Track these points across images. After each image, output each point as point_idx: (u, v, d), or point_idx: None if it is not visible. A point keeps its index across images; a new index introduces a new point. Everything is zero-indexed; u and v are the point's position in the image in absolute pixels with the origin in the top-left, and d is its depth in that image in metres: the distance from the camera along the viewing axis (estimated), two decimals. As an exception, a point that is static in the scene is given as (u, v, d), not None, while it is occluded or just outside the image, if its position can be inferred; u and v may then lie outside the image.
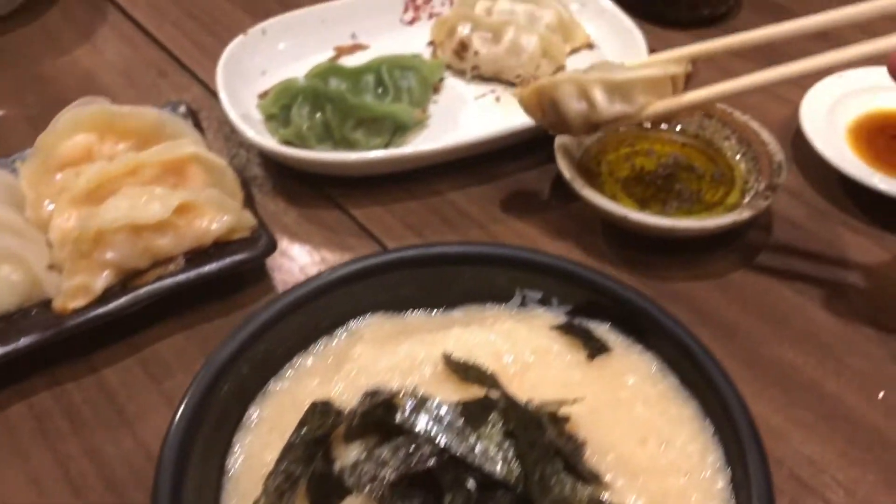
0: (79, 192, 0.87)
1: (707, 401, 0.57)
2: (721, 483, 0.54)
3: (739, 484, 0.53)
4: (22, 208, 0.89)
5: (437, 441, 0.51)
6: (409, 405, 0.53)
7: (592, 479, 0.53)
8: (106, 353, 0.85)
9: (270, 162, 1.05)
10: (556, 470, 0.50)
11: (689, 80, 0.85)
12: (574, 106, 0.80)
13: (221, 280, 0.88)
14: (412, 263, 0.66)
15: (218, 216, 0.87)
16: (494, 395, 0.55)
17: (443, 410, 0.52)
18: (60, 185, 0.91)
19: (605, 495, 0.52)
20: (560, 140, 0.94)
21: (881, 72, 1.07)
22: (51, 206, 0.90)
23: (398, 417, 0.52)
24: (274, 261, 0.93)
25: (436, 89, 1.12)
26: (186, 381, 0.80)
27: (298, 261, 0.95)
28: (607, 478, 0.54)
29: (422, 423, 0.52)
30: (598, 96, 0.78)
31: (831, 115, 1.04)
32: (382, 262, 0.66)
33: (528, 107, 0.86)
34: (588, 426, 0.56)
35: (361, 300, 0.66)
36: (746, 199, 0.93)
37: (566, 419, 0.56)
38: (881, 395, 0.79)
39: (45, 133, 0.92)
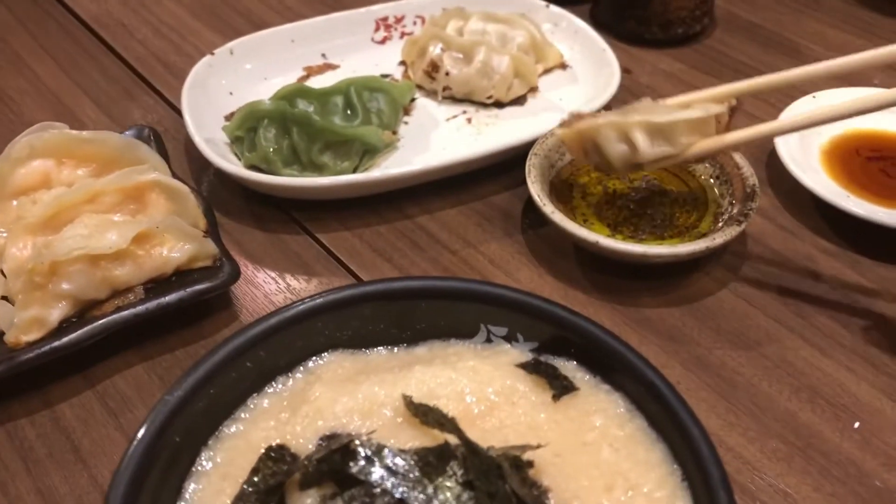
0: (35, 220, 0.85)
1: (676, 444, 0.55)
2: (690, 532, 0.52)
3: (709, 534, 0.51)
4: (-25, 236, 0.86)
5: (393, 493, 0.49)
6: (363, 454, 0.50)
7: (555, 530, 0.51)
8: (62, 387, 0.82)
9: (237, 186, 1.03)
10: (518, 518, 0.48)
11: (735, 113, 0.85)
12: (616, 148, 0.80)
13: (183, 310, 0.85)
14: (374, 298, 0.64)
15: (179, 245, 0.84)
16: (454, 441, 0.53)
17: (398, 461, 0.50)
18: (16, 212, 0.88)
19: (570, 547, 0.50)
20: (532, 161, 0.93)
21: (854, 92, 1.07)
22: (4, 235, 0.87)
23: (353, 468, 0.50)
24: (238, 288, 0.91)
25: (406, 110, 1.11)
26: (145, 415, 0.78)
27: (263, 287, 0.92)
28: (571, 528, 0.52)
29: (377, 474, 0.50)
30: (640, 139, 0.78)
31: (805, 137, 1.03)
32: (343, 298, 0.64)
33: (570, 147, 0.88)
34: (552, 472, 0.54)
35: (321, 337, 0.64)
36: (720, 224, 0.91)
37: (529, 465, 0.54)
38: (856, 425, 0.78)
39: (-1, 159, 0.89)
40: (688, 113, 0.79)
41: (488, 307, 0.63)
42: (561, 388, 0.60)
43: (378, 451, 0.51)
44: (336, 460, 0.54)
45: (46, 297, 0.80)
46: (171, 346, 0.86)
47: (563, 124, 0.85)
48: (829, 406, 0.80)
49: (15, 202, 0.89)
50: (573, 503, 0.53)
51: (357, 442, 0.52)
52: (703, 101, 0.82)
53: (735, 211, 0.91)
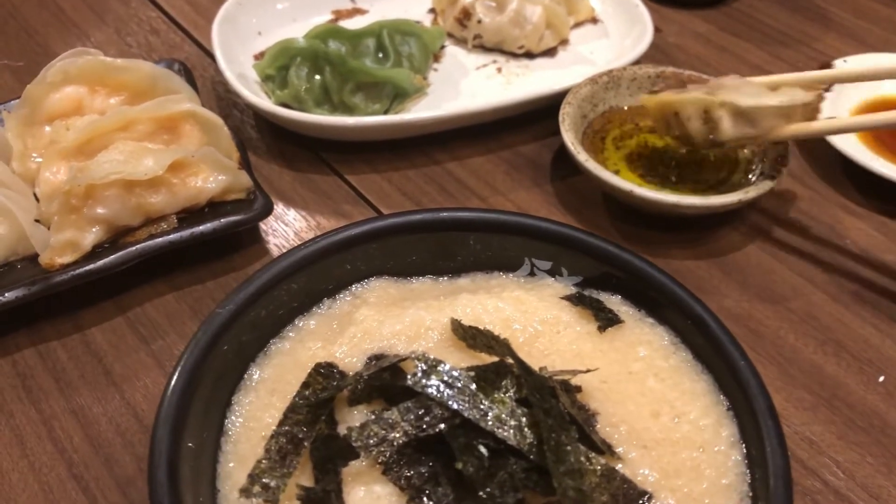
0: (69, 145, 0.84)
1: (721, 375, 0.56)
2: (736, 458, 0.53)
3: (755, 460, 0.52)
4: (7, 160, 0.86)
5: (448, 405, 0.49)
6: (420, 368, 0.51)
7: (606, 449, 0.52)
8: (93, 312, 0.82)
9: (266, 124, 1.02)
10: (570, 439, 0.49)
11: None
12: (697, 125, 0.81)
13: (215, 241, 0.85)
14: (420, 228, 0.64)
15: (213, 175, 0.84)
16: (507, 361, 0.54)
17: (455, 374, 0.50)
18: (49, 137, 0.88)
19: (619, 466, 0.51)
20: (565, 110, 0.93)
21: (886, 58, 1.07)
22: (38, 159, 0.86)
23: (409, 380, 0.50)
24: (269, 224, 0.91)
25: (436, 58, 1.10)
26: (177, 343, 0.79)
27: (293, 225, 0.92)
28: (620, 450, 0.52)
29: (433, 387, 0.50)
30: (724, 121, 0.79)
31: (836, 101, 1.03)
32: (389, 226, 0.64)
33: (654, 117, 0.89)
34: (599, 397, 0.55)
35: (366, 264, 0.64)
36: (751, 179, 0.92)
37: (578, 389, 0.55)
38: (881, 378, 0.79)
39: (33, 83, 0.88)
40: (775, 99, 0.79)
41: (533, 240, 0.64)
42: (606, 319, 0.60)
43: (434, 365, 0.51)
44: (386, 378, 0.54)
45: (81, 220, 0.79)
46: (201, 277, 0.86)
47: (650, 92, 0.89)
48: (855, 360, 0.81)
49: (48, 128, 0.88)
50: (621, 427, 0.54)
51: (413, 356, 0.52)
52: (791, 85, 0.82)
53: (766, 168, 0.91)
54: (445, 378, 0.50)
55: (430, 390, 0.50)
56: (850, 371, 0.80)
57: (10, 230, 0.79)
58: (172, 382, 0.52)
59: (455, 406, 0.49)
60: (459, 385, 0.50)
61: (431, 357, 0.52)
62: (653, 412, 0.55)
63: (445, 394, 0.50)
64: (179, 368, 0.53)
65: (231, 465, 0.54)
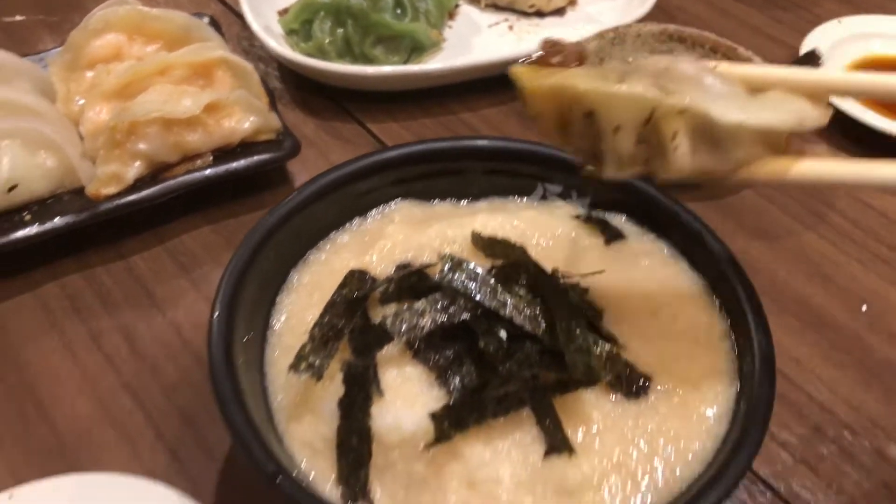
0: (110, 87, 0.90)
1: (715, 280, 0.62)
2: (726, 349, 0.60)
3: (743, 350, 0.58)
4: (53, 102, 0.92)
5: (471, 296, 0.56)
6: (447, 265, 0.57)
7: (611, 339, 0.58)
8: (135, 242, 0.89)
9: (290, 75, 1.08)
10: (580, 325, 0.55)
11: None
12: (627, 144, 0.48)
13: (246, 178, 0.91)
14: (442, 154, 0.70)
15: (245, 117, 0.90)
16: (523, 261, 0.60)
17: (478, 270, 0.57)
18: (91, 81, 0.94)
19: (622, 353, 0.58)
20: (574, 63, 0.98)
21: (877, 20, 1.12)
22: (81, 102, 0.92)
23: (437, 276, 0.57)
24: (294, 166, 0.97)
25: (450, 16, 1.16)
26: (214, 271, 0.85)
27: (318, 168, 0.97)
28: (622, 340, 0.59)
29: (458, 281, 0.56)
30: (681, 143, 0.46)
31: (829, 59, 1.09)
32: (414, 152, 0.70)
33: (539, 111, 0.52)
34: (605, 298, 0.61)
35: (393, 186, 0.70)
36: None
37: (585, 290, 0.61)
38: (864, 308, 0.85)
39: (76, 30, 0.94)
40: (767, 116, 0.47)
41: (546, 166, 0.70)
42: (611, 234, 0.67)
43: (459, 262, 0.57)
44: (413, 280, 0.61)
45: (125, 155, 0.85)
46: (234, 212, 0.92)
47: (526, 62, 0.53)
48: (840, 291, 0.87)
49: (89, 73, 0.94)
50: (623, 323, 0.60)
51: (439, 256, 0.58)
52: (785, 86, 0.48)
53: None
54: (469, 273, 0.57)
55: (455, 284, 0.56)
56: (835, 301, 0.86)
57: (59, 164, 0.85)
58: (225, 280, 0.59)
59: (478, 297, 0.55)
60: (481, 280, 0.56)
61: (456, 256, 0.58)
62: (652, 311, 0.62)
63: (469, 287, 0.56)
64: (231, 268, 0.60)
65: (276, 353, 0.61)
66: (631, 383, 0.56)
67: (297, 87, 1.08)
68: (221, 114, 0.89)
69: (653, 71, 0.48)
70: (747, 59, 1.02)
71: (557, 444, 0.53)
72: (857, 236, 0.93)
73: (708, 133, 0.47)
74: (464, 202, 0.72)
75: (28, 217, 0.82)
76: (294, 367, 0.56)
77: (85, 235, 0.86)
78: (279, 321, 0.62)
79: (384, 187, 0.70)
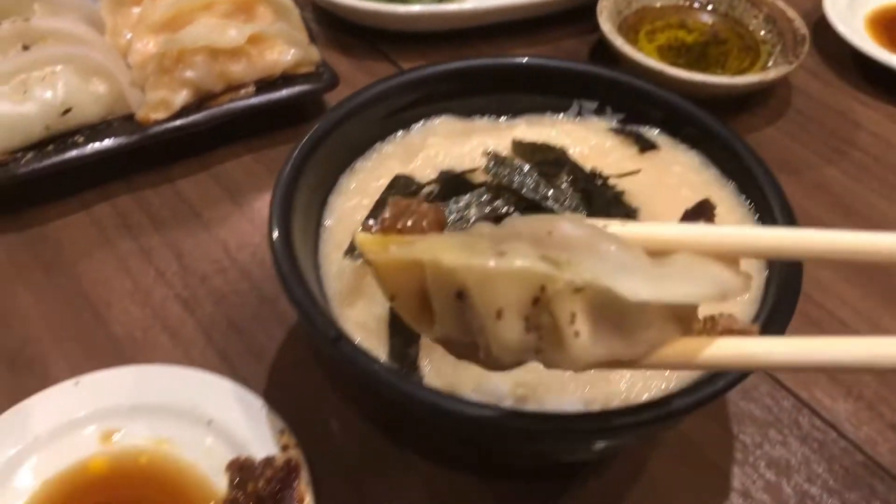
0: (157, 20, 0.94)
1: (744, 184, 0.66)
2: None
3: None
4: (102, 34, 0.96)
5: (515, 189, 0.59)
6: (492, 161, 0.60)
7: (646, 232, 0.61)
8: (181, 167, 0.92)
9: (325, 16, 1.11)
10: (619, 215, 0.59)
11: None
12: (515, 332, 0.38)
13: (287, 110, 0.95)
14: (482, 71, 0.74)
15: (287, 49, 0.94)
16: (564, 158, 0.63)
17: (521, 165, 0.60)
18: (138, 16, 0.97)
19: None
20: (603, 4, 1.02)
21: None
22: (128, 35, 0.96)
23: (482, 170, 0.60)
24: (332, 98, 1.00)
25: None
26: (257, 197, 0.89)
27: (354, 103, 1.01)
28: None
29: (503, 175, 0.60)
30: (579, 325, 0.38)
31: (852, 6, 1.12)
32: (455, 69, 0.73)
33: (395, 291, 0.42)
34: (639, 199, 0.65)
35: (434, 102, 0.74)
36: (770, 66, 1.01)
37: (621, 192, 0.64)
38: (884, 235, 0.88)
39: (123, -33, 0.98)
40: (682, 290, 0.39)
41: (582, 83, 0.73)
42: (645, 144, 0.70)
43: (503, 159, 0.61)
44: (456, 183, 0.64)
45: (173, 82, 0.89)
46: (274, 142, 0.96)
47: (372, 227, 0.43)
48: (861, 221, 0.90)
49: (136, 9, 0.98)
50: (657, 220, 0.63)
51: (483, 153, 0.62)
52: (692, 247, 0.41)
53: (784, 54, 1.00)
54: (513, 168, 0.60)
55: (500, 178, 0.60)
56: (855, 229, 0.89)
57: (110, 90, 0.89)
58: (282, 179, 0.62)
59: (522, 191, 0.59)
60: (525, 174, 0.60)
61: (501, 154, 0.61)
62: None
63: (513, 180, 0.59)
64: (287, 170, 0.63)
65: (329, 248, 0.64)
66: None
67: (332, 28, 1.11)
68: (264, 45, 0.93)
69: (532, 236, 0.39)
70: (770, 3, 1.04)
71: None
72: (878, 171, 0.96)
73: (610, 313, 0.38)
74: (502, 119, 0.75)
75: (81, 139, 0.86)
76: (348, 254, 0.60)
77: (134, 159, 0.90)
78: (330, 220, 0.66)
79: (426, 102, 0.73)
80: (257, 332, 0.77)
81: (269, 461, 0.63)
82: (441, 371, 0.57)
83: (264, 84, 0.94)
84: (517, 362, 0.41)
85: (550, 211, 0.58)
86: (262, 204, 0.89)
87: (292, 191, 0.62)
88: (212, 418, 0.66)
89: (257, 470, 0.62)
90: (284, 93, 0.92)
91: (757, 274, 0.60)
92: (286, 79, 0.95)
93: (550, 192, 0.59)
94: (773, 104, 1.04)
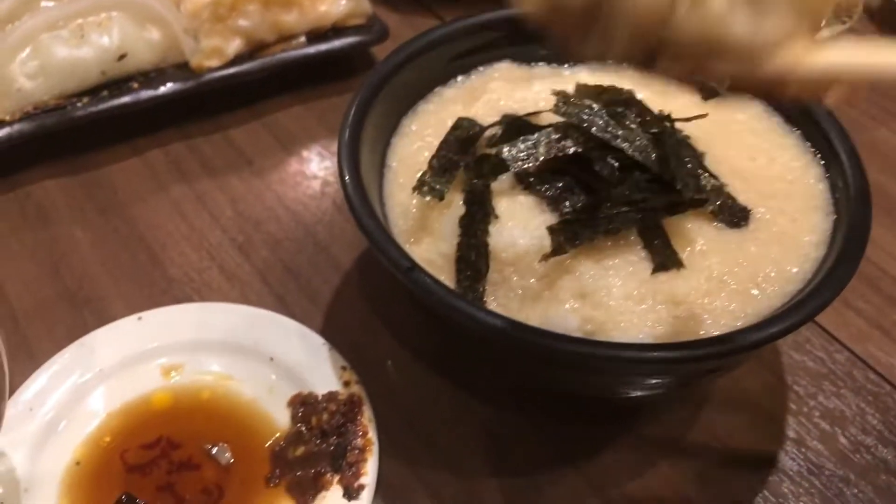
0: (210, -31, 0.94)
1: (809, 131, 0.65)
2: (821, 188, 0.63)
3: (837, 189, 0.61)
4: (154, -17, 0.96)
5: (585, 128, 0.59)
6: (560, 100, 0.60)
7: (713, 176, 0.61)
8: (232, 117, 0.93)
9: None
10: (689, 154, 0.59)
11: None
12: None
13: (337, 62, 0.95)
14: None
15: (338, 0, 0.94)
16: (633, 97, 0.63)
17: (591, 104, 0.60)
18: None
19: (725, 188, 0.61)
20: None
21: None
22: (180, -15, 0.96)
23: (551, 109, 0.60)
24: (381, 52, 1.00)
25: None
26: (309, 146, 0.89)
27: (402, 57, 1.02)
28: (722, 179, 0.62)
29: (572, 113, 0.60)
30: None
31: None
32: (513, 14, 0.73)
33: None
34: (705, 145, 0.64)
35: (495, 48, 0.73)
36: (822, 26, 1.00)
37: (687, 136, 0.64)
38: (934, 194, 0.88)
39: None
40: None
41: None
42: (709, 92, 0.69)
43: (571, 98, 0.61)
44: (520, 125, 0.64)
45: (226, 30, 0.89)
46: (324, 93, 0.96)
47: None
48: (914, 182, 0.90)
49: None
50: (723, 164, 0.63)
51: (552, 93, 0.61)
52: None
53: (837, 17, 0.99)
54: (582, 107, 0.60)
55: (569, 117, 0.60)
56: (905, 188, 0.89)
57: (164, 37, 0.89)
58: (350, 116, 0.62)
59: (592, 130, 0.59)
60: (594, 113, 0.60)
61: (570, 94, 0.61)
62: (750, 157, 0.65)
63: (583, 118, 0.59)
64: (353, 109, 0.63)
65: (393, 187, 0.65)
66: (733, 213, 0.60)
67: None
68: (316, -4, 0.93)
69: None
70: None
71: (666, 260, 0.56)
72: (932, 136, 0.95)
73: None
74: (563, 67, 0.75)
75: (136, 85, 0.87)
76: (417, 188, 0.60)
77: (186, 108, 0.90)
78: (394, 160, 0.66)
79: (487, 48, 0.73)
80: (312, 276, 0.77)
81: (331, 395, 0.63)
82: (508, 307, 0.58)
83: (315, 35, 0.94)
84: (638, 42, 0.39)
85: (620, 151, 0.58)
86: (313, 153, 0.89)
87: (359, 129, 0.62)
88: (273, 355, 0.67)
89: (321, 404, 0.63)
90: (336, 44, 0.92)
91: (824, 218, 0.60)
92: (336, 30, 0.95)
93: (620, 132, 0.59)
94: (824, 65, 1.03)
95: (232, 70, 0.88)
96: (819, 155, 0.64)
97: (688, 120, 0.63)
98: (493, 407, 0.68)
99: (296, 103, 0.95)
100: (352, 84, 0.97)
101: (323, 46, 0.92)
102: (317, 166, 0.88)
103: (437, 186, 0.60)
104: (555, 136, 0.60)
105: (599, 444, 0.67)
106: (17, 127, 0.82)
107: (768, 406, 0.70)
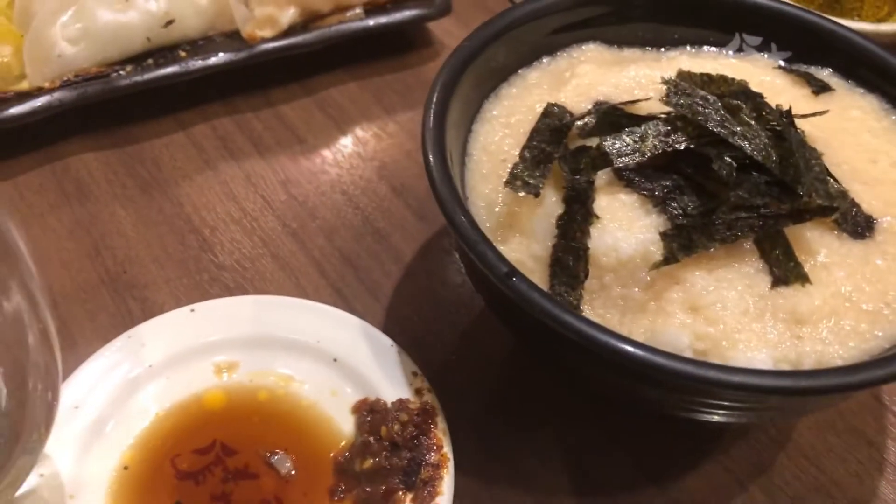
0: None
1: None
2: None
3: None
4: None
5: (699, 121, 0.53)
6: (672, 89, 0.55)
7: (835, 180, 0.55)
8: (283, 92, 0.87)
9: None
10: (814, 156, 0.53)
11: None
12: None
13: (393, 38, 0.89)
14: (633, -3, 0.67)
15: (399, -31, 0.87)
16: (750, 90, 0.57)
17: (705, 94, 0.54)
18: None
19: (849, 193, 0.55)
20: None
21: None
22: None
23: (661, 98, 0.54)
24: (437, 31, 0.94)
25: None
26: (365, 125, 0.83)
27: (461, 34, 0.95)
28: (843, 184, 0.56)
29: (685, 105, 0.54)
30: None
31: None
32: (606, -6, 0.67)
33: None
34: (821, 142, 0.58)
35: (582, 28, 0.67)
36: (912, 17, 0.93)
37: (803, 132, 0.58)
38: None
39: None
40: None
41: (746, 14, 0.66)
42: (818, 86, 0.63)
43: (683, 88, 0.55)
44: (616, 115, 0.58)
45: (280, -1, 0.83)
46: (379, 70, 0.90)
47: None
48: None
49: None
50: (843, 166, 0.57)
51: (663, 80, 0.56)
52: None
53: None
54: (696, 98, 0.54)
55: (681, 109, 0.54)
56: None
57: (213, 3, 0.83)
58: (434, 98, 0.57)
59: (708, 123, 0.53)
60: (710, 105, 0.54)
61: (681, 82, 0.55)
62: (871, 159, 0.59)
63: (697, 110, 0.53)
64: (437, 91, 0.57)
65: (475, 181, 0.59)
66: (857, 223, 0.54)
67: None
68: (376, -35, 0.87)
69: None
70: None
71: (788, 273, 0.51)
72: None
73: None
74: (653, 50, 0.69)
75: (183, 54, 0.81)
76: (509, 183, 0.54)
77: (233, 81, 0.85)
78: (476, 148, 0.60)
79: (576, 27, 0.67)
80: (372, 267, 0.72)
81: (402, 404, 0.58)
82: (607, 319, 0.52)
83: (373, 6, 0.88)
84: None
85: (738, 148, 0.52)
86: (369, 134, 0.84)
87: (444, 112, 0.56)
88: (336, 355, 0.61)
89: (391, 413, 0.58)
90: (396, 16, 0.86)
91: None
92: (395, 2, 0.88)
93: (738, 129, 0.53)
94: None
95: (286, 41, 0.82)
96: (944, 159, 0.58)
97: (806, 116, 0.57)
98: (567, 418, 0.63)
99: (349, 79, 0.89)
100: (409, 61, 0.91)
101: (382, 19, 0.86)
102: (373, 147, 0.82)
103: (532, 181, 0.54)
104: (664, 129, 0.54)
105: (683, 461, 0.62)
106: (56, 95, 0.76)
107: (866, 428, 0.65)
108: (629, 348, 0.44)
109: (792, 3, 0.83)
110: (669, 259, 0.50)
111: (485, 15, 0.95)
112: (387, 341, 0.62)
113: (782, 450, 0.64)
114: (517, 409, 0.63)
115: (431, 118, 0.55)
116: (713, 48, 0.68)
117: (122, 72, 0.79)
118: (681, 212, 0.52)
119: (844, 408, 0.66)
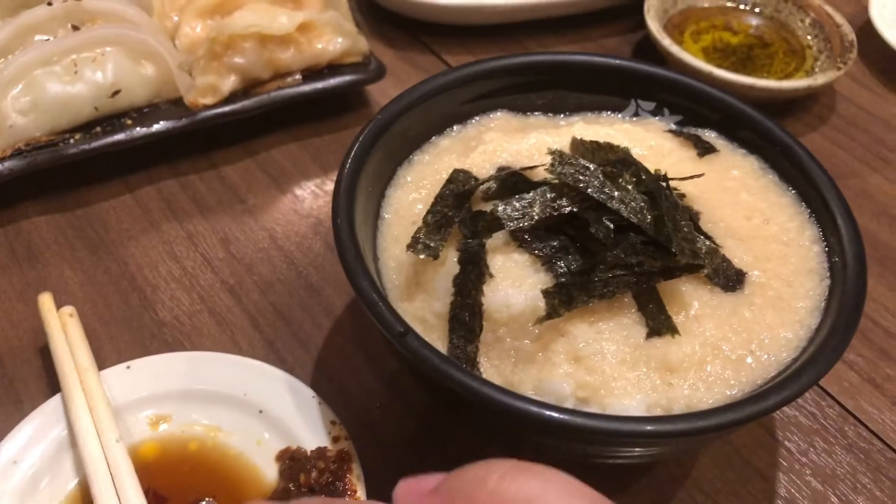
0: (205, 5, 0.94)
1: (805, 190, 0.65)
2: (817, 250, 0.63)
3: (833, 250, 0.61)
4: (150, 17, 0.95)
5: (580, 188, 0.59)
6: (556, 159, 0.60)
7: (708, 237, 0.61)
8: (226, 154, 0.92)
9: (368, 7, 1.11)
10: (684, 217, 0.59)
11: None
12: None
13: (331, 100, 0.95)
14: (538, 67, 0.73)
15: (335, 38, 0.93)
16: (629, 159, 0.63)
17: (586, 164, 0.60)
18: (183, 0, 0.97)
19: (720, 250, 0.61)
20: (650, 2, 1.01)
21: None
22: (175, 18, 0.96)
23: (546, 168, 0.60)
24: (374, 92, 1.00)
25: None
26: (304, 184, 0.89)
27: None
28: (718, 240, 0.62)
29: (568, 174, 0.59)
30: None
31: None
32: (512, 64, 0.73)
33: None
34: (700, 203, 0.64)
35: (491, 97, 0.73)
36: (816, 72, 1.00)
37: (683, 195, 0.64)
38: (929, 245, 0.88)
39: (172, -50, 0.97)
40: None
41: (641, 83, 0.73)
42: (703, 148, 0.69)
43: (567, 157, 0.60)
44: (515, 180, 0.64)
45: (221, 67, 0.89)
46: (318, 131, 0.96)
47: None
48: (906, 230, 0.90)
49: (183, -8, 0.97)
50: (720, 223, 0.63)
51: (548, 152, 0.61)
52: None
53: (831, 61, 0.99)
54: (578, 167, 0.60)
55: (564, 177, 0.59)
56: (899, 237, 0.89)
57: (158, 73, 0.88)
58: (346, 168, 0.62)
59: (588, 190, 0.58)
60: (590, 173, 0.59)
61: (562, 152, 0.61)
62: (745, 216, 0.65)
63: (578, 179, 0.59)
64: (350, 160, 0.63)
65: (387, 241, 0.64)
66: (728, 277, 0.59)
67: (376, 19, 1.11)
68: (313, 34, 0.93)
69: None
70: (817, 7, 1.04)
71: (660, 325, 0.56)
72: (921, 181, 0.95)
73: None
74: (558, 116, 0.75)
75: (129, 122, 0.86)
76: (411, 247, 0.59)
77: (178, 145, 0.90)
78: (389, 212, 0.66)
79: (483, 97, 0.73)
80: (303, 320, 0.77)
81: (321, 452, 0.63)
82: (501, 369, 0.57)
83: (311, 73, 0.93)
84: None
85: (615, 213, 0.58)
86: (307, 192, 0.89)
87: (355, 180, 0.62)
88: (262, 407, 0.66)
89: (309, 461, 0.62)
90: (332, 82, 0.92)
91: (819, 283, 0.60)
92: (332, 68, 0.94)
93: (616, 194, 0.58)
94: (817, 111, 1.03)
95: (227, 108, 0.88)
96: (814, 216, 0.64)
97: (683, 179, 0.63)
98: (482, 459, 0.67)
99: (290, 141, 0.94)
100: (347, 122, 0.97)
101: (319, 84, 0.91)
102: (310, 205, 0.88)
103: (432, 244, 0.59)
104: (550, 195, 0.59)
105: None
106: (7, 164, 0.81)
107: (758, 463, 0.70)
108: (500, 397, 0.49)
109: (696, 64, 0.90)
110: (552, 314, 0.55)
111: (420, 75, 1.02)
112: (309, 392, 0.66)
113: (681, 486, 0.69)
114: (434, 453, 0.68)
115: (342, 190, 0.60)
116: (612, 113, 0.74)
117: (71, 140, 0.84)
118: (565, 270, 0.58)
119: (740, 444, 0.71)
